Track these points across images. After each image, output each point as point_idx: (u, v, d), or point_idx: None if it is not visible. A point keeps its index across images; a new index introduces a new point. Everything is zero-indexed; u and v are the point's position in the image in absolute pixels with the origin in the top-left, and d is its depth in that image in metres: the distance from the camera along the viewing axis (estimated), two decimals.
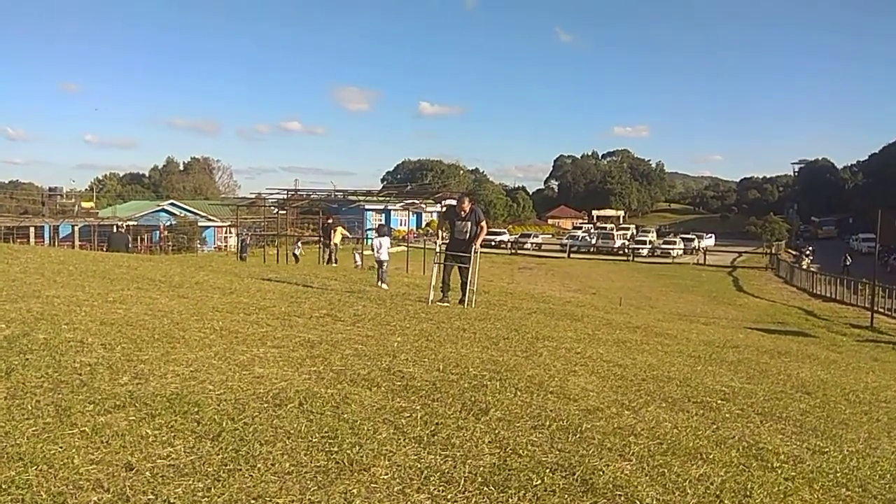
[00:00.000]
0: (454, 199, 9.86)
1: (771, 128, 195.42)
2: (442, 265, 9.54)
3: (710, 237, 67.32)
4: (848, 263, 42.00)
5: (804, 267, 41.02)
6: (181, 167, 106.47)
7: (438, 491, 2.38)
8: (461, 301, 9.08)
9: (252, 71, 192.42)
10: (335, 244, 22.87)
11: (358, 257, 24.66)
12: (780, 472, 3.06)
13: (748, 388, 5.27)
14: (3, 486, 2.04)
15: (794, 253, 57.58)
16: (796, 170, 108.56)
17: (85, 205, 61.37)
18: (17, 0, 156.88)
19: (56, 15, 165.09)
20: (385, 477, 2.44)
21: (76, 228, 47.28)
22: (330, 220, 25.28)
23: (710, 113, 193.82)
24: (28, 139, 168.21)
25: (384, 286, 11.92)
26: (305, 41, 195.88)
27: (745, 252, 56.75)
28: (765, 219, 79.52)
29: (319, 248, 25.32)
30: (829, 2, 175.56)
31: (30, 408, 2.72)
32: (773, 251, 54.15)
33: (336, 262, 22.01)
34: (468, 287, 9.12)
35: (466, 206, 9.40)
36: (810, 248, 54.49)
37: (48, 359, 3.44)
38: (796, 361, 7.91)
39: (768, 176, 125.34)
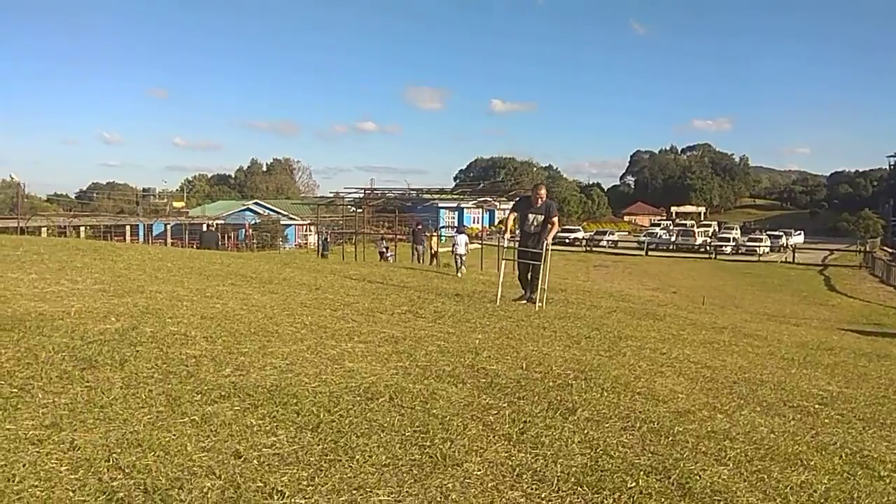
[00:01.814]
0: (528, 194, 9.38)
1: (863, 118, 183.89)
2: (515, 262, 9.13)
3: (800, 234, 64.14)
4: None
5: None
6: (264, 168, 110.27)
7: (532, 489, 2.39)
8: (530, 299, 8.65)
9: (328, 74, 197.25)
10: (435, 249, 24.81)
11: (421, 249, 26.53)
12: (888, 481, 2.91)
13: (847, 392, 5.01)
14: (126, 470, 2.20)
15: (890, 251, 54.12)
16: (892, 163, 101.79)
17: (176, 204, 64.66)
18: (111, 12, 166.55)
19: (145, 25, 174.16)
20: (478, 473, 2.47)
21: (168, 227, 49.88)
22: (420, 226, 27.10)
23: (796, 103, 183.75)
24: (122, 142, 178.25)
25: (461, 273, 14.41)
26: (378, 43, 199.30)
27: (837, 250, 53.72)
28: (858, 215, 75.14)
29: (412, 248, 26.93)
30: None
31: (143, 397, 2.90)
32: (868, 249, 51.04)
33: (437, 263, 23.61)
34: (539, 285, 8.59)
35: (543, 194, 8.89)
36: None
37: (156, 351, 3.66)
38: None
39: (861, 169, 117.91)
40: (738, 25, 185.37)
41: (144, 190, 74.44)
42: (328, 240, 35.71)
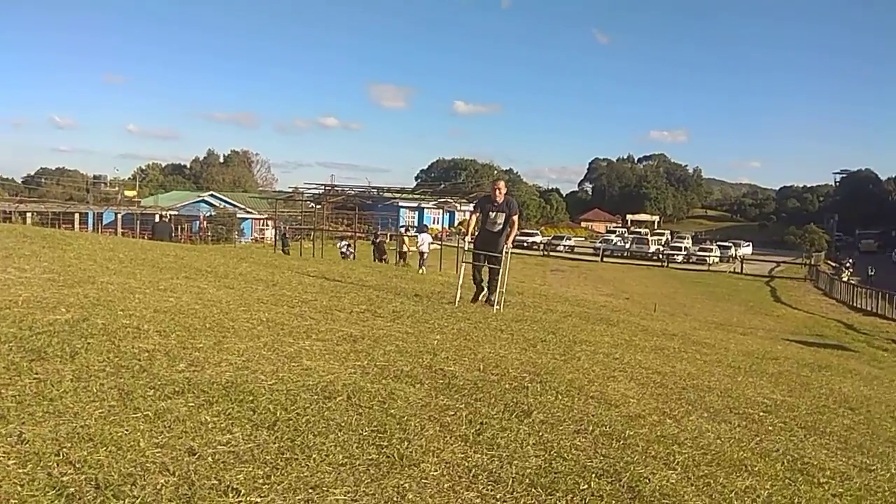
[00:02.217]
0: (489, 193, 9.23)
1: (812, 136, 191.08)
2: (472, 264, 8.82)
3: (748, 245, 66.13)
4: (871, 273, 43.67)
5: (844, 279, 40.05)
6: (221, 159, 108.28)
7: (487, 490, 2.43)
8: (488, 301, 8.60)
9: (290, 66, 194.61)
10: (406, 249, 25.64)
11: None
12: (826, 488, 3.04)
13: (790, 401, 5.21)
14: (77, 465, 2.15)
15: (833, 265, 56.23)
16: (837, 180, 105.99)
17: (128, 193, 62.94)
18: None
19: (102, 7, 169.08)
20: (435, 473, 2.50)
21: (119, 216, 48.49)
22: (379, 239, 28.57)
23: (749, 119, 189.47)
24: (74, 127, 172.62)
25: (423, 271, 15.39)
26: (342, 38, 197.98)
27: (784, 262, 55.58)
28: (804, 229, 77.81)
29: (373, 254, 27.83)
30: (872, 11, 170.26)
31: (95, 390, 2.84)
32: (813, 262, 52.94)
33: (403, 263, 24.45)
34: (498, 288, 8.51)
35: (503, 188, 8.65)
36: (850, 261, 53.13)
37: (108, 344, 3.57)
38: (838, 376, 7.78)
39: (808, 185, 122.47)
40: (696, 41, 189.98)
41: (95, 177, 71.93)
42: (286, 235, 35.20)
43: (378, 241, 27.65)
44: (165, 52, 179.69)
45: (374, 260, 25.70)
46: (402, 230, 40.61)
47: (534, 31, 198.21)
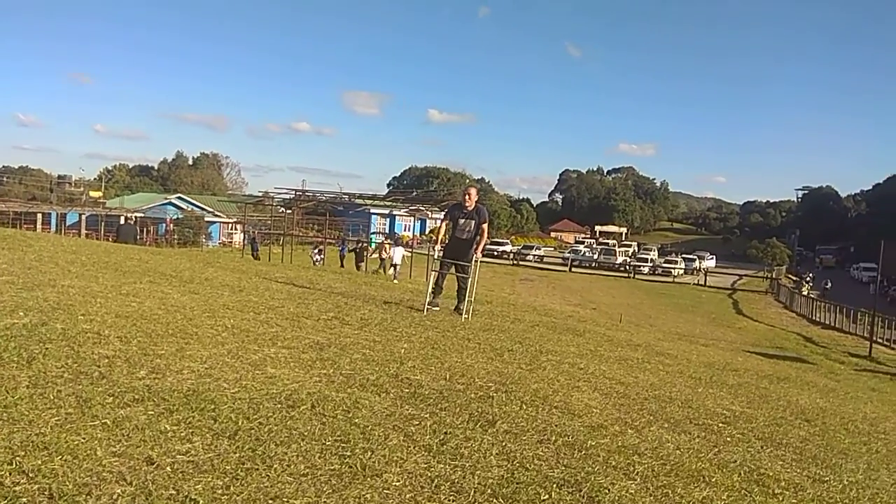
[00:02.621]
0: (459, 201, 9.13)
1: (775, 153, 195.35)
2: (437, 271, 8.67)
3: (712, 258, 67.35)
4: (827, 287, 46.60)
5: (804, 293, 41.03)
6: (190, 162, 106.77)
7: (449, 500, 2.44)
8: (457, 310, 8.49)
9: (264, 70, 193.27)
10: (388, 257, 25.61)
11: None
12: (781, 498, 3.12)
13: (748, 412, 5.32)
14: (31, 475, 2.11)
15: (794, 278, 57.59)
16: (799, 196, 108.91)
17: (93, 194, 61.58)
18: None
19: (70, 5, 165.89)
20: (397, 484, 2.50)
21: (83, 217, 47.45)
22: (361, 244, 30.29)
23: (714, 135, 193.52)
24: (39, 125, 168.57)
25: (396, 281, 16.01)
26: (317, 43, 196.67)
27: (746, 275, 56.70)
28: (766, 243, 79.55)
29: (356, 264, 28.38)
30: (838, 33, 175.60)
31: (52, 397, 2.78)
32: (774, 276, 54.11)
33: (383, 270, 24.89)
34: (466, 297, 8.39)
35: (473, 195, 8.56)
36: (810, 275, 54.50)
37: (67, 349, 3.50)
38: (795, 388, 7.97)
39: (772, 200, 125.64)
40: (665, 59, 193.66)
41: (60, 177, 70.39)
42: (256, 240, 34.75)
43: (359, 247, 27.94)
44: (135, 53, 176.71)
45: (356, 268, 25.74)
46: (384, 238, 40.98)
47: (508, 42, 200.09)
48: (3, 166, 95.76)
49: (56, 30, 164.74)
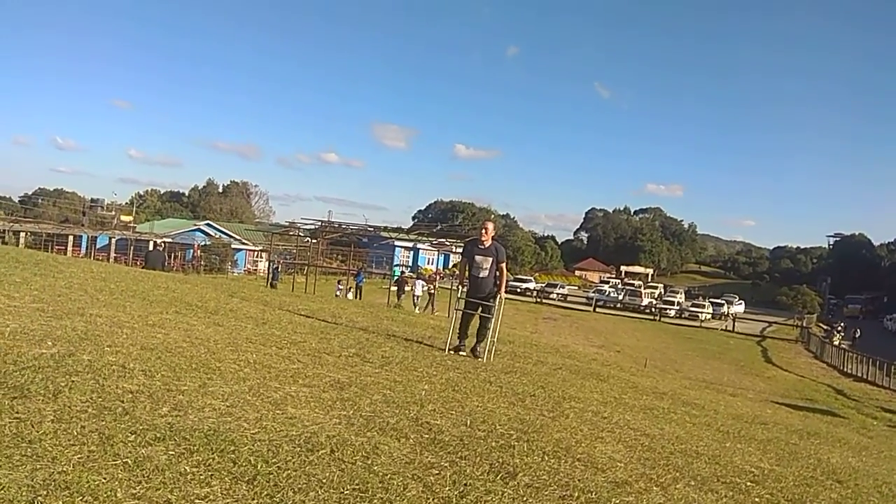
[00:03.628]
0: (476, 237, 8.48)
1: (807, 198, 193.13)
2: (463, 311, 8.38)
3: (741, 303, 66.25)
4: (857, 336, 45.23)
5: (835, 343, 40.04)
6: (220, 189, 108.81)
7: None
8: (473, 351, 8.24)
9: (296, 102, 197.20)
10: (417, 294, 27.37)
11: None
12: None
13: (778, 470, 5.15)
14: None
15: (825, 327, 56.32)
16: (831, 243, 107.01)
17: (124, 218, 62.86)
18: (81, 19, 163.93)
19: (112, 35, 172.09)
20: None
21: (113, 241, 48.36)
22: (405, 273, 32.10)
23: (744, 178, 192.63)
24: (76, 149, 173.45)
25: (417, 311, 16.89)
26: (349, 78, 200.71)
27: (776, 322, 55.63)
28: (797, 290, 78.20)
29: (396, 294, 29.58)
30: (869, 82, 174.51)
31: (75, 433, 2.79)
32: (804, 324, 52.98)
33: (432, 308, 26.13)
34: (486, 339, 8.16)
35: (490, 230, 8.25)
36: (841, 324, 53.24)
37: (92, 382, 3.53)
38: (826, 444, 7.71)
39: (802, 246, 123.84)
40: (695, 102, 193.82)
41: (93, 200, 72.30)
42: (279, 269, 35.08)
43: (401, 279, 29.43)
44: (174, 82, 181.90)
45: (396, 298, 26.43)
46: (408, 271, 42.12)
47: (537, 80, 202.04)
48: (39, 188, 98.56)
49: (100, 56, 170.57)
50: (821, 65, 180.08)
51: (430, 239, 69.93)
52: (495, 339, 8.45)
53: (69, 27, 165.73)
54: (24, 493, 2.19)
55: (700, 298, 63.78)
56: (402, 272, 36.57)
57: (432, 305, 25.98)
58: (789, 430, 8.09)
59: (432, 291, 28.16)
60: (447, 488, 3.02)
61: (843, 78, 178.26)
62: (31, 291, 6.35)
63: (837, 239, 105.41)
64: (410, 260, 68.25)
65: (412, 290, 26.17)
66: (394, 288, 27.78)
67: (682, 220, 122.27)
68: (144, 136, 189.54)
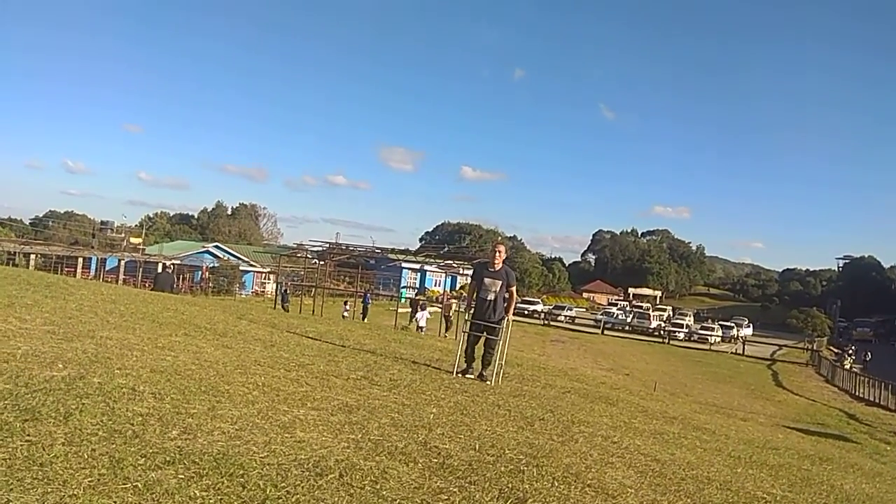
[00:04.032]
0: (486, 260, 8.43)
1: (816, 220, 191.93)
2: (470, 333, 8.26)
3: (749, 326, 65.72)
4: (867, 359, 45.50)
5: (846, 366, 39.61)
6: (229, 211, 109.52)
7: None
8: (480, 376, 8.12)
9: (303, 125, 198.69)
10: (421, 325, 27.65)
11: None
12: None
13: (790, 496, 5.09)
14: None
15: (835, 350, 55.76)
16: (840, 265, 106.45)
17: (133, 240, 63.24)
18: (91, 44, 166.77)
19: (121, 59, 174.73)
20: None
21: (122, 263, 48.62)
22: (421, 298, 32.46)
23: (752, 200, 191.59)
24: (85, 172, 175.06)
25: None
26: (356, 100, 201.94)
27: (786, 345, 55.12)
28: (807, 313, 77.60)
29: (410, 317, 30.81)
30: (875, 103, 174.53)
31: (86, 456, 2.80)
32: (815, 347, 52.47)
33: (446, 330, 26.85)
34: (493, 362, 8.07)
35: (502, 253, 8.15)
36: (852, 348, 52.70)
37: (103, 405, 3.54)
38: (839, 470, 7.61)
39: (811, 269, 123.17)
40: (701, 123, 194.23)
41: (102, 222, 72.76)
42: (287, 292, 35.09)
43: (417, 298, 29.92)
44: (183, 106, 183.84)
45: (409, 320, 26.85)
46: (416, 294, 42.77)
47: (543, 102, 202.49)
48: (50, 210, 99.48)
49: (107, 80, 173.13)
50: (828, 88, 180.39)
51: (438, 261, 70.06)
52: (503, 363, 8.38)
53: (80, 53, 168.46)
54: None
55: (709, 321, 63.37)
56: (417, 295, 37.65)
57: (446, 328, 26.49)
58: (801, 456, 7.99)
59: (447, 314, 28.35)
60: None
61: (850, 100, 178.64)
62: (43, 314, 6.40)
63: (847, 261, 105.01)
64: (417, 282, 68.22)
65: (419, 320, 27.12)
66: (408, 309, 28.34)
67: (689, 242, 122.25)
68: (154, 158, 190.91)
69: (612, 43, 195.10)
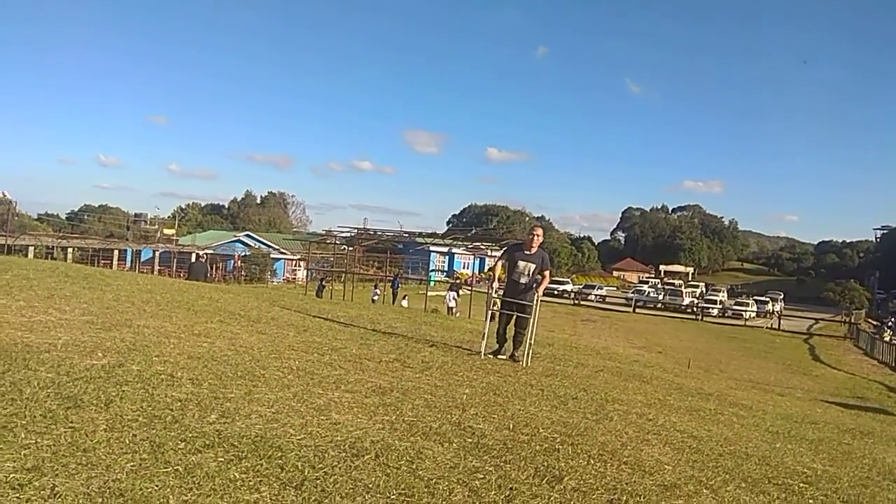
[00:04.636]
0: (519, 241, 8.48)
1: (851, 190, 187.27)
2: (497, 313, 8.20)
3: (781, 299, 64.44)
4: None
5: (886, 339, 38.73)
6: (258, 200, 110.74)
7: None
8: (512, 357, 8.02)
9: (328, 112, 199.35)
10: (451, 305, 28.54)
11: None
12: None
13: (831, 471, 5.00)
14: None
15: (874, 323, 54.53)
16: (878, 235, 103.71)
17: (167, 231, 64.42)
18: (115, 36, 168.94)
19: (147, 54, 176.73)
20: None
21: (157, 254, 49.57)
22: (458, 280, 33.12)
23: (785, 172, 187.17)
24: (117, 165, 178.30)
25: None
26: (379, 84, 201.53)
27: (823, 319, 54.06)
28: (844, 285, 75.96)
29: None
30: None
31: (127, 441, 2.86)
32: (853, 320, 51.36)
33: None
34: (525, 343, 7.95)
35: (540, 236, 8.01)
36: (893, 320, 51.45)
37: (142, 392, 3.61)
38: (881, 444, 7.45)
39: (848, 240, 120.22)
40: (730, 91, 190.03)
41: (136, 215, 74.32)
42: (323, 283, 34.90)
43: (457, 281, 30.86)
44: (208, 98, 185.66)
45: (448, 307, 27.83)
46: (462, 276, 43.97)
47: (566, 80, 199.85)
48: (85, 205, 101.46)
49: (138, 74, 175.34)
50: (862, 50, 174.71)
51: (465, 243, 70.04)
52: (532, 342, 8.26)
53: (104, 47, 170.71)
54: (81, 500, 2.25)
55: (744, 297, 62.39)
56: (458, 277, 38.70)
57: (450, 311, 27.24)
58: (841, 430, 7.85)
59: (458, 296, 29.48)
60: (493, 492, 3.01)
61: (884, 61, 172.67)
62: (81, 304, 6.54)
63: (885, 231, 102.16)
64: (446, 265, 68.35)
65: (448, 300, 27.76)
66: (452, 294, 28.75)
67: (722, 217, 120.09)
68: (182, 150, 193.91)
69: (636, 14, 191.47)
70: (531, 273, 7.98)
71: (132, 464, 2.63)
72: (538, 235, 8.03)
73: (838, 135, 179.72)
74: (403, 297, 30.32)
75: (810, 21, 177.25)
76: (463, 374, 6.37)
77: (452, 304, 27.20)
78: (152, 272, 40.58)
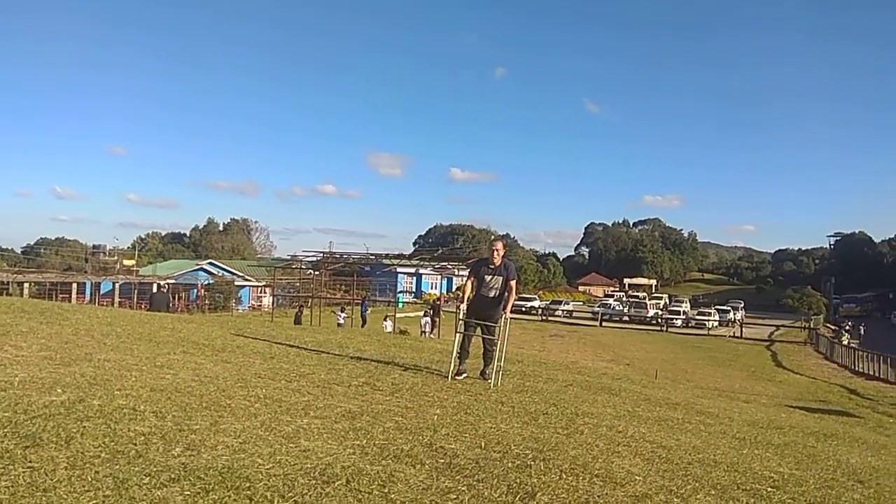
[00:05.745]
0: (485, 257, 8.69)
1: (805, 199, 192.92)
2: (463, 333, 8.08)
3: (741, 308, 65.75)
4: (861, 332, 47.22)
5: (844, 343, 39.78)
6: (221, 227, 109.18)
7: None
8: (482, 374, 7.99)
9: (290, 136, 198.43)
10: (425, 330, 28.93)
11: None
12: None
13: (797, 474, 5.10)
14: None
15: (833, 328, 56.01)
16: (832, 242, 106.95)
17: (127, 262, 63.02)
18: (71, 68, 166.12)
19: (103, 82, 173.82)
20: None
21: (117, 285, 48.39)
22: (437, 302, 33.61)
23: (742, 183, 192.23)
24: (75, 197, 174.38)
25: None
26: (342, 108, 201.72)
27: (783, 325, 55.32)
28: (802, 292, 77.92)
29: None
30: (867, 71, 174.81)
31: (90, 479, 2.78)
32: (812, 325, 52.67)
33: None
34: (494, 361, 7.87)
35: (501, 249, 8.01)
36: (850, 324, 52.93)
37: (104, 427, 3.52)
38: (844, 445, 7.64)
39: (804, 248, 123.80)
40: (685, 109, 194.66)
41: (94, 247, 72.54)
42: (301, 311, 34.23)
43: (437, 303, 31.91)
44: (167, 126, 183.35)
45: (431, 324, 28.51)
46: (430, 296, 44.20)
47: (525, 100, 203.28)
48: (41, 238, 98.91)
49: (93, 106, 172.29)
50: (812, 53, 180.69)
51: (432, 263, 70.08)
52: (502, 362, 8.20)
53: (60, 80, 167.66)
54: None
55: (705, 307, 63.51)
56: (438, 299, 39.24)
57: (438, 329, 27.21)
58: (806, 434, 8.02)
59: (435, 318, 29.54)
60: None
61: (838, 65, 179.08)
62: (39, 340, 6.36)
63: (838, 238, 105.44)
64: (413, 286, 68.18)
65: (423, 325, 28.46)
66: (426, 319, 28.87)
67: (681, 230, 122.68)
68: (141, 180, 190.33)
69: (591, 36, 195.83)
70: (499, 285, 8.00)
71: (94, 502, 2.56)
72: (498, 249, 8.05)
73: (791, 147, 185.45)
74: (385, 319, 30.21)
75: (765, 28, 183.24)
76: (433, 394, 6.35)
77: (427, 328, 27.63)
78: (113, 304, 39.58)
